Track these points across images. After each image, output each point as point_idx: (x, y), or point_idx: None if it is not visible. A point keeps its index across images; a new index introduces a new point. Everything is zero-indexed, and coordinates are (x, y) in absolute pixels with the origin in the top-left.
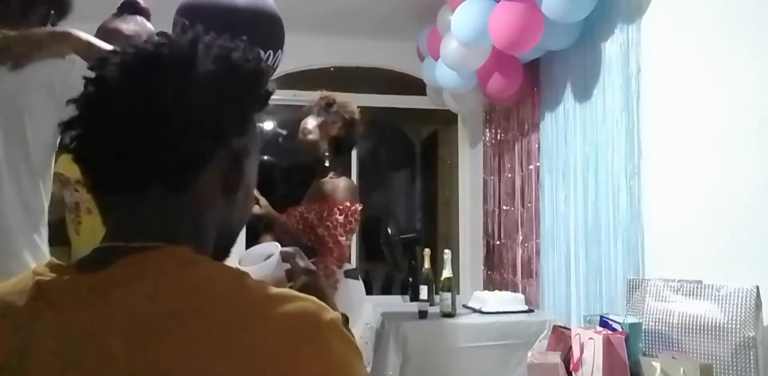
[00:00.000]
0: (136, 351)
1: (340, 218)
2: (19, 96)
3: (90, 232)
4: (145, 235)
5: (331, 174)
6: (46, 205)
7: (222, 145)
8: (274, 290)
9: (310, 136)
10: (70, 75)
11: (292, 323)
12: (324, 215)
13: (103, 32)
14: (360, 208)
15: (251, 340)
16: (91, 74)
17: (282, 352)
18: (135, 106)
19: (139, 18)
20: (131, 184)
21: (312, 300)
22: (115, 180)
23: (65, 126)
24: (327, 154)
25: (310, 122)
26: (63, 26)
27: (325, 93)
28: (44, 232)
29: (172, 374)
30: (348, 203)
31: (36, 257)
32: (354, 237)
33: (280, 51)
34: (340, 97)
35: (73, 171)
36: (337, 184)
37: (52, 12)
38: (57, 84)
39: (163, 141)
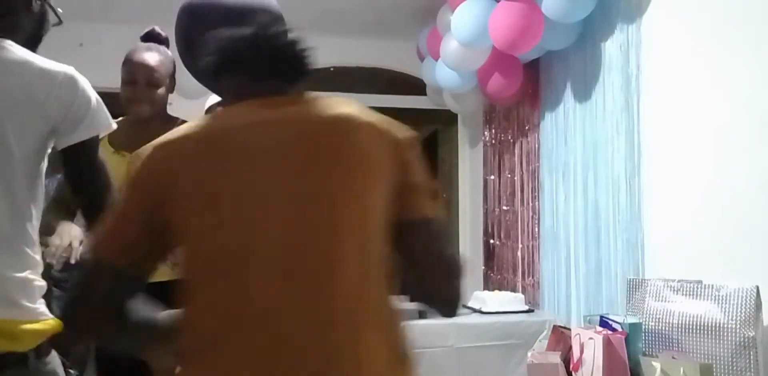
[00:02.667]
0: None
1: None
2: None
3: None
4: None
5: None
6: (38, 212)
7: None
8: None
9: None
10: (62, 89)
11: (389, 131)
12: None
13: (129, 63)
14: None
15: (363, 144)
16: None
17: (385, 153)
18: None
19: (162, 47)
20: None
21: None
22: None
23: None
24: None
25: None
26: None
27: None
28: (35, 238)
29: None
30: None
31: (23, 264)
32: None
33: None
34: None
35: None
36: None
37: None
38: (40, 94)
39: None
